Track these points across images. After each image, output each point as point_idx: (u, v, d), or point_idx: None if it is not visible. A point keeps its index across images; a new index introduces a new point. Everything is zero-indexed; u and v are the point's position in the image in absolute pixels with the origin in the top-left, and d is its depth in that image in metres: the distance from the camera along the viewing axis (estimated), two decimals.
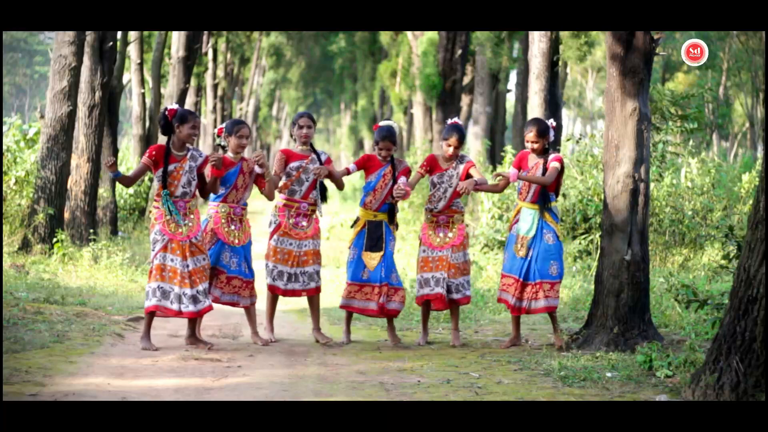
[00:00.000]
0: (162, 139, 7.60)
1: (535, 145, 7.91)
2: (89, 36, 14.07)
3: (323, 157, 8.11)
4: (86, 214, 14.24)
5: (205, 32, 29.03)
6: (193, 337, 7.66)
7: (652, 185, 12.55)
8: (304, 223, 8.03)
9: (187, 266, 7.39)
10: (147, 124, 20.75)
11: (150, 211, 8.03)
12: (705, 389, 5.58)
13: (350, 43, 44.76)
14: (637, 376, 6.46)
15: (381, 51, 38.84)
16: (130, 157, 21.47)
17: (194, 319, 7.60)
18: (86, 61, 14.16)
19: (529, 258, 7.81)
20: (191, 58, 21.96)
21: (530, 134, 7.89)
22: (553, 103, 16.35)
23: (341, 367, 6.91)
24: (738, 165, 20.41)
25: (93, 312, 8.95)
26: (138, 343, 7.56)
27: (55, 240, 12.74)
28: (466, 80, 26.76)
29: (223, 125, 7.99)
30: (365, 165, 8.15)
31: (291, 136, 8.20)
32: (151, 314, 7.44)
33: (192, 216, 7.50)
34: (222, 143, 7.95)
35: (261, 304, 8.29)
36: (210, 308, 7.50)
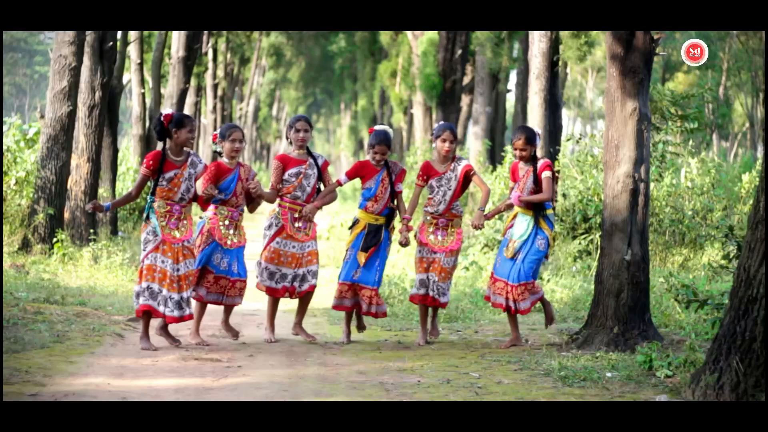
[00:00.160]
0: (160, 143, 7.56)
1: (524, 153, 7.95)
2: (89, 36, 14.06)
3: (320, 161, 8.10)
4: (86, 214, 14.22)
5: (205, 32, 29.03)
6: (166, 333, 7.63)
7: (652, 185, 12.55)
8: (306, 226, 8.03)
9: (178, 270, 7.38)
10: (147, 124, 20.72)
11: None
12: (705, 389, 5.58)
13: (350, 43, 44.74)
14: (637, 376, 6.46)
15: (381, 51, 38.80)
16: (130, 157, 21.42)
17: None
18: (86, 61, 14.15)
19: (516, 260, 7.88)
20: (191, 58, 21.92)
21: (519, 141, 7.94)
22: (553, 103, 16.32)
23: (341, 367, 6.90)
24: (738, 165, 20.42)
25: (93, 312, 8.94)
26: (138, 343, 7.56)
27: (55, 240, 12.74)
28: (466, 80, 26.74)
29: (217, 131, 8.00)
30: (359, 173, 8.13)
31: (287, 138, 8.18)
32: (147, 314, 7.44)
33: (185, 221, 7.49)
34: (218, 149, 7.95)
35: (261, 304, 8.28)
36: (190, 317, 7.50)
